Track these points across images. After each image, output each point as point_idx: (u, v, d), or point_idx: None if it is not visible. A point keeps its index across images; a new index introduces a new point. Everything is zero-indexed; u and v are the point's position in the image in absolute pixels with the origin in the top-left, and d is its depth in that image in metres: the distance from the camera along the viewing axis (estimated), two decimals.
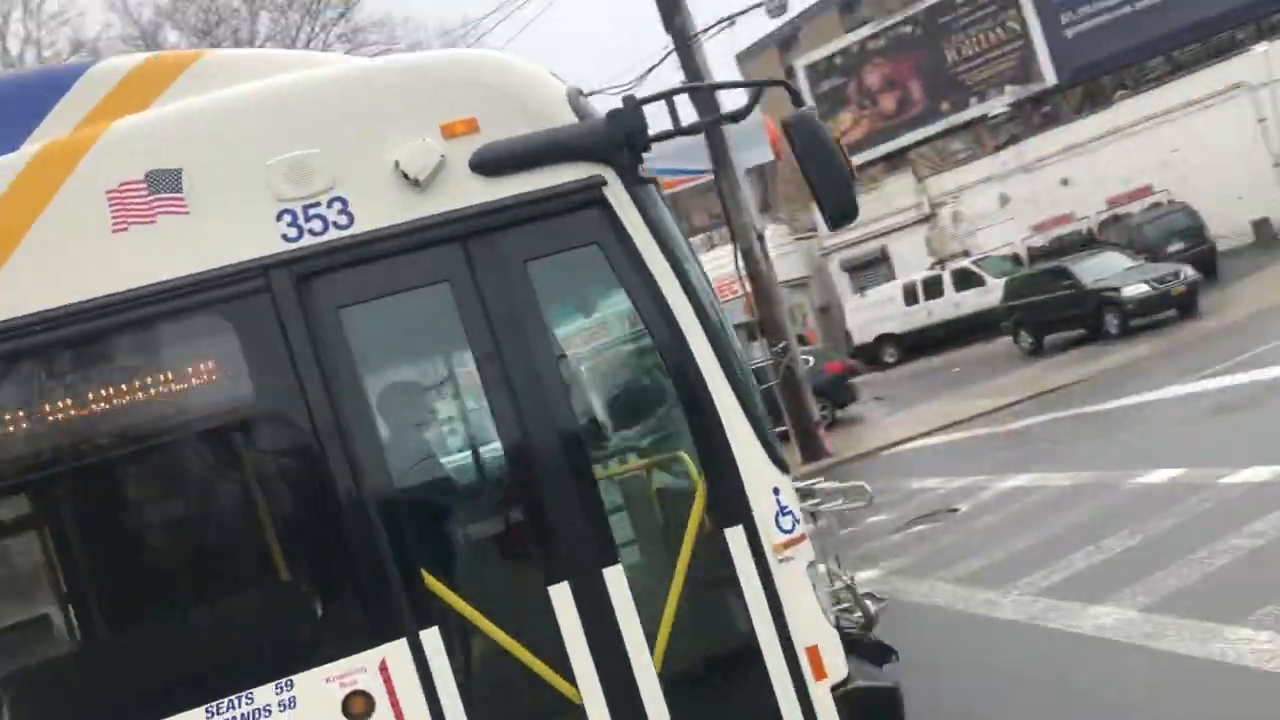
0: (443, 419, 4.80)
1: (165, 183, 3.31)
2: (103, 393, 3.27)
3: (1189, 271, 19.83)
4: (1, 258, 3.19)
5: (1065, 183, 28.57)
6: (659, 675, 3.48)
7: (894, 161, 34.97)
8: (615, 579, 3.48)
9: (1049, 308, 21.24)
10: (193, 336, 3.36)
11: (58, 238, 3.23)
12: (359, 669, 3.24)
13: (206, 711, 3.16)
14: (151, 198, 3.29)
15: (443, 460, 4.44)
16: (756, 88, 4.05)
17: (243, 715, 3.17)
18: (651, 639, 3.50)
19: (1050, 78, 31.37)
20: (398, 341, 4.03)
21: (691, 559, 3.62)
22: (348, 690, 3.23)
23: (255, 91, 3.48)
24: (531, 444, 3.49)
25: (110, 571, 3.73)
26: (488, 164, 3.46)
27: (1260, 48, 26.21)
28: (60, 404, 3.25)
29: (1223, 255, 24.15)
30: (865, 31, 35.77)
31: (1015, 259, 28.85)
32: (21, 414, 3.23)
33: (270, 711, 3.19)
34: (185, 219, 3.29)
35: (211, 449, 3.63)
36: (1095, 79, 31.57)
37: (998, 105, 32.69)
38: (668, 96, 3.69)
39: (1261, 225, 25.36)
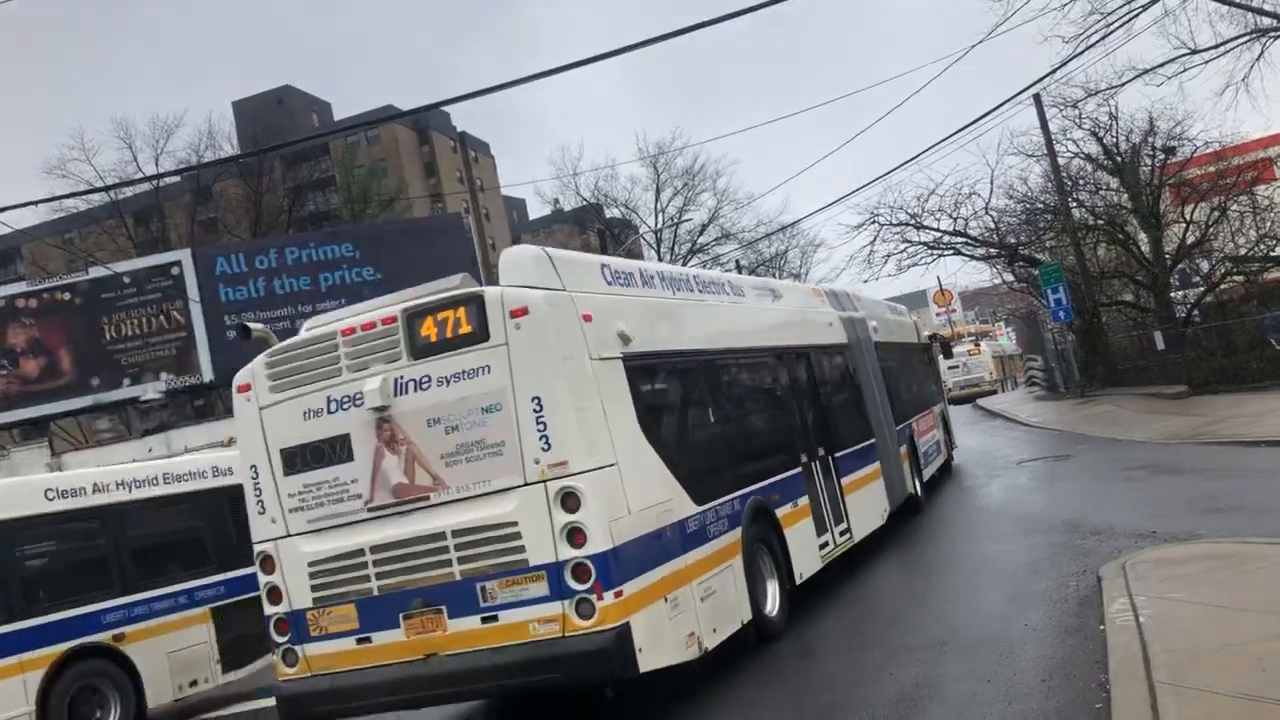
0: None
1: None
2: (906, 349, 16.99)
3: None
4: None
5: None
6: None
7: (31, 430, 34.37)
8: (938, 409, 18.72)
9: None
10: (912, 352, 17.59)
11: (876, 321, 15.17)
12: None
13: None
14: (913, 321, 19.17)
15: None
16: None
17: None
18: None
19: (208, 374, 32.33)
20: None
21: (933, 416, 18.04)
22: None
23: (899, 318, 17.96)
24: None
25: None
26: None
27: None
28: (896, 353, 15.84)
29: None
30: (17, 289, 35.06)
31: None
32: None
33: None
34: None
35: (916, 357, 17.98)
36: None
37: (151, 390, 32.65)
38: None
39: None
